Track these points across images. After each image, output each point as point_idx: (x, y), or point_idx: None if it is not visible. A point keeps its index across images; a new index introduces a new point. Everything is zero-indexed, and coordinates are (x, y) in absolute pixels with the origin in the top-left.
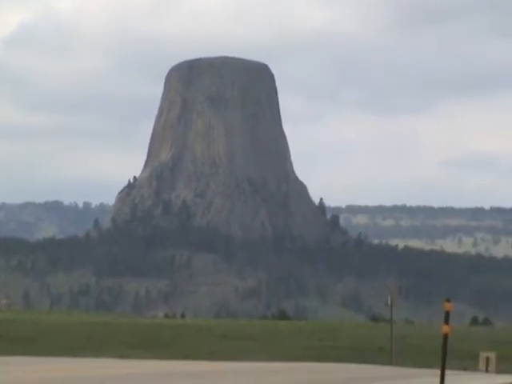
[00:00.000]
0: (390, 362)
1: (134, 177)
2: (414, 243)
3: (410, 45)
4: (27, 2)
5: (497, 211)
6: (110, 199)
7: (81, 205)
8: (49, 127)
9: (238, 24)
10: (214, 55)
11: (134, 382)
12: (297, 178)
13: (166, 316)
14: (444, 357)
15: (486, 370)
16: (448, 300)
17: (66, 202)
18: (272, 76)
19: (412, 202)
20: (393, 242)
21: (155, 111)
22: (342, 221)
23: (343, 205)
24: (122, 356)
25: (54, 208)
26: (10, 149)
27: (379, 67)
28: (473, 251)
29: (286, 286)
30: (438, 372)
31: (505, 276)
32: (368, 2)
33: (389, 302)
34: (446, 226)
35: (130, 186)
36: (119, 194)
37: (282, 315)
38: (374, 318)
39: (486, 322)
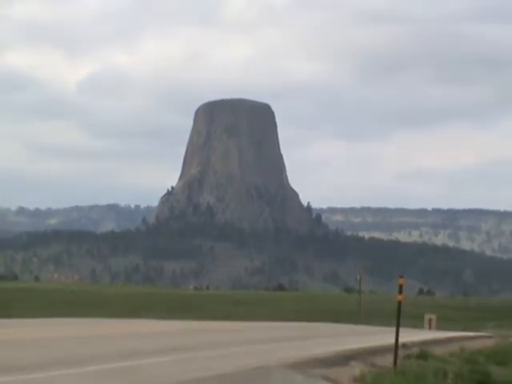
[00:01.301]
0: (358, 322)
1: (172, 186)
2: (377, 235)
3: (372, 88)
4: (94, 57)
5: (437, 211)
6: (154, 202)
7: (133, 206)
8: (110, 149)
9: (248, 74)
10: (230, 97)
11: (172, 336)
12: (291, 187)
13: (195, 288)
14: (398, 318)
15: (429, 328)
16: (401, 276)
17: (122, 204)
18: (272, 113)
19: (375, 204)
20: (361, 234)
21: (187, 138)
22: (324, 218)
23: (325, 207)
24: (162, 317)
25: (113, 209)
26: (80, 165)
27: (349, 105)
28: (419, 241)
29: (282, 266)
30: (393, 329)
31: (443, 259)
32: (341, 55)
33: (358, 278)
34: (400, 222)
35: (169, 193)
36: (161, 198)
37: (280, 287)
38: (348, 290)
39: (429, 292)
